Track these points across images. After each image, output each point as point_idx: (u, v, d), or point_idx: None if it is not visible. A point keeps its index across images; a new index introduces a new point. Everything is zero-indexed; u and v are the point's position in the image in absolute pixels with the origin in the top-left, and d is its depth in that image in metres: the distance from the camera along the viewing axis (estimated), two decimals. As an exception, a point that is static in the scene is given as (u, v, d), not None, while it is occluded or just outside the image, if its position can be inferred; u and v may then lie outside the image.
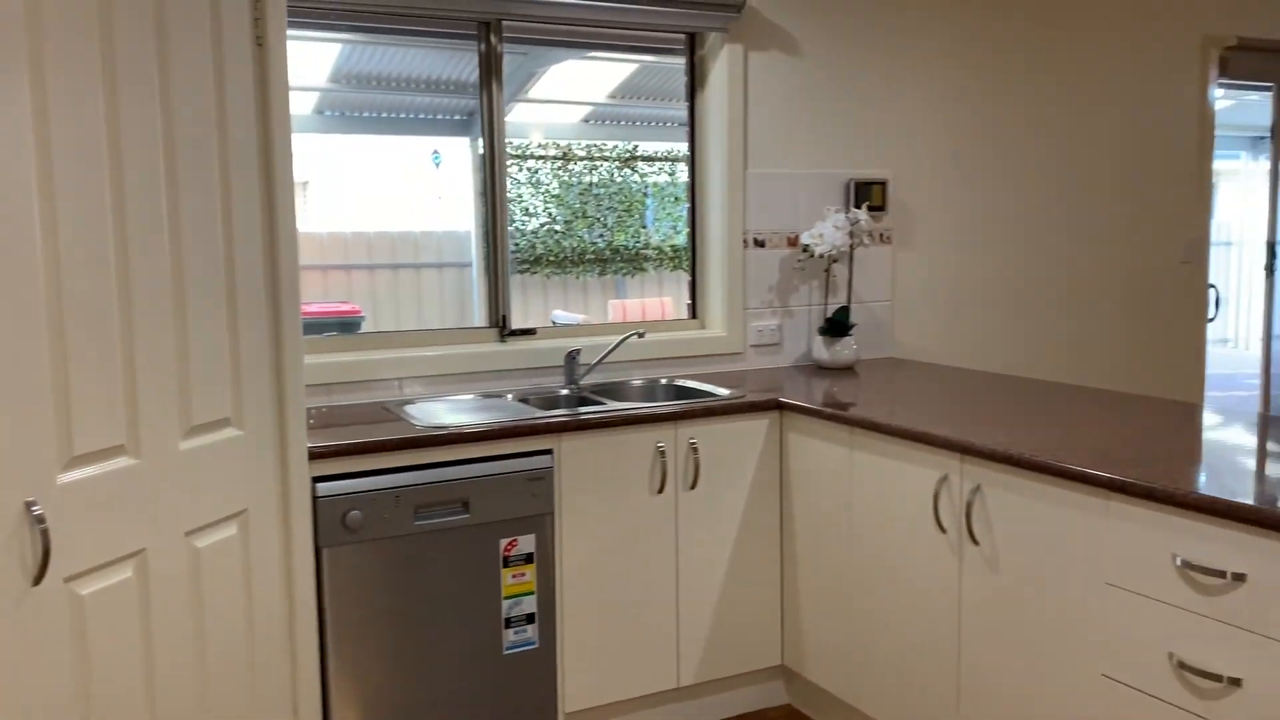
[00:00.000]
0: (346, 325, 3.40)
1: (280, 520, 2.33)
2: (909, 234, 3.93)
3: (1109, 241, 4.37)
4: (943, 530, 2.52)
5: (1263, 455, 2.22)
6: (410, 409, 2.95)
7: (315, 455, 2.48)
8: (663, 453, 2.91)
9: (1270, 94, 4.83)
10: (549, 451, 2.77)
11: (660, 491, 2.92)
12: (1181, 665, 1.98)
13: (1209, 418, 2.62)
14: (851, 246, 3.63)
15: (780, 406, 3.05)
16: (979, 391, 3.09)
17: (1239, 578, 1.87)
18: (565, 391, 3.25)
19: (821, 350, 3.64)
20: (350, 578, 2.55)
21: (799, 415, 3.01)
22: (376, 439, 2.56)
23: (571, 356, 3.27)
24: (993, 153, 4.07)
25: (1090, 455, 2.22)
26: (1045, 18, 4.11)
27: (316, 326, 3.28)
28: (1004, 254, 4.14)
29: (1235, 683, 1.89)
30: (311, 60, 3.30)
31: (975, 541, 2.43)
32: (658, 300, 3.87)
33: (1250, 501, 1.85)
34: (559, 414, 2.83)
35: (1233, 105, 5.68)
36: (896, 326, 3.93)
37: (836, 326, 3.64)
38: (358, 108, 3.45)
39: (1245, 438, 2.39)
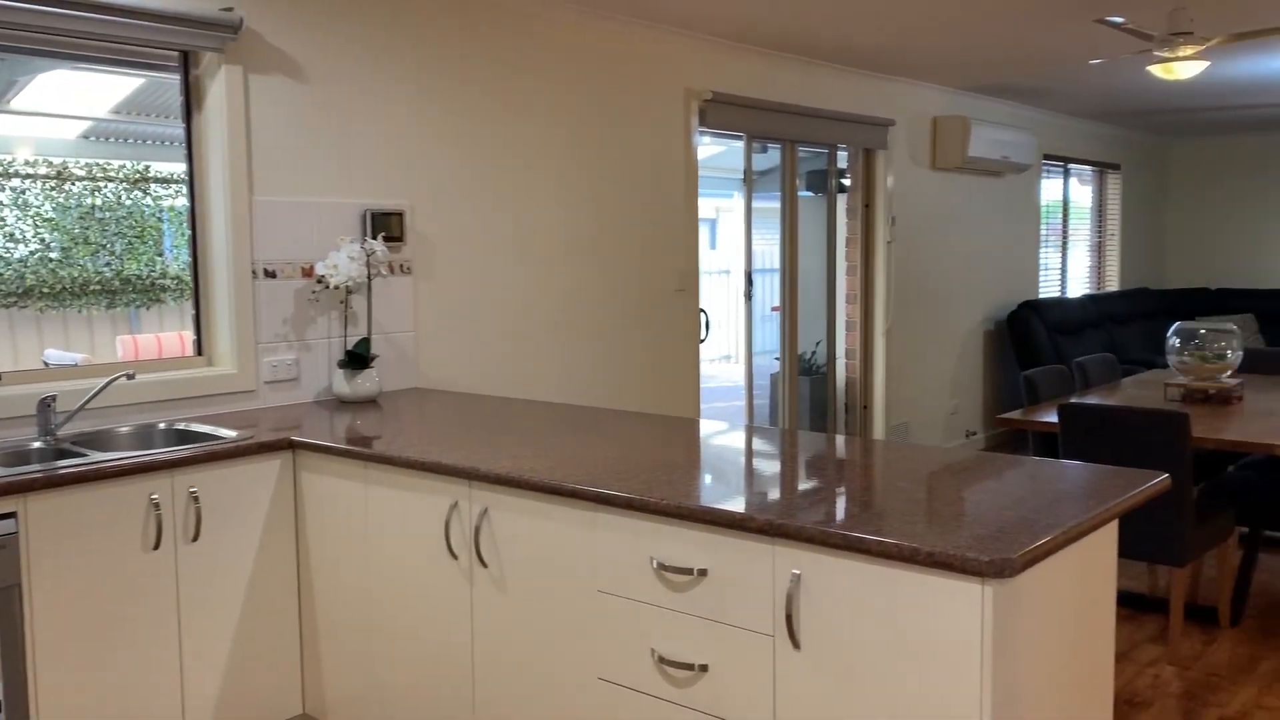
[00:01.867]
0: None
1: None
2: (430, 264, 3.98)
3: (619, 271, 4.74)
4: (454, 556, 2.56)
5: (747, 460, 2.51)
6: None
7: None
8: (157, 505, 2.66)
9: (742, 142, 5.54)
10: (12, 515, 2.41)
11: (156, 548, 2.67)
12: (661, 660, 2.17)
13: (700, 429, 2.92)
14: (369, 277, 3.59)
15: (293, 446, 2.93)
16: (499, 417, 3.19)
17: (703, 573, 2.09)
18: (39, 444, 2.86)
19: (342, 384, 3.56)
20: None
21: (313, 453, 2.91)
22: None
23: (45, 404, 2.89)
24: (509, 187, 4.25)
25: (585, 472, 2.37)
26: (554, 59, 4.38)
27: None
28: (524, 284, 4.33)
29: (704, 669, 2.10)
30: None
31: (484, 564, 2.49)
32: (177, 334, 3.56)
33: (708, 504, 2.08)
34: (25, 470, 2.48)
35: (725, 150, 6.41)
36: (421, 357, 3.95)
37: (357, 359, 3.58)
38: None
39: (726, 446, 2.69)
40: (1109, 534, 2.13)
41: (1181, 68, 4.22)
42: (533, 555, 2.40)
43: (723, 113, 5.19)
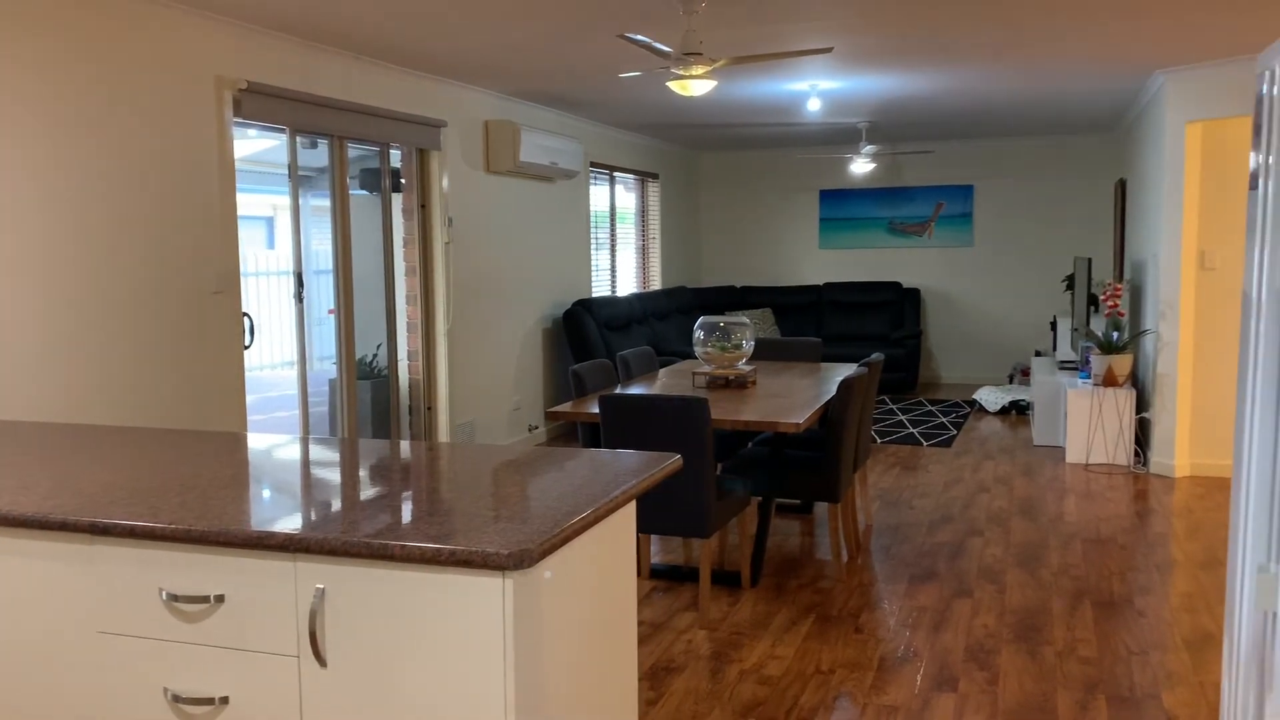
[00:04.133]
0: None
1: None
2: (-110, 267, 3.33)
3: (144, 274, 4.29)
4: (-86, 614, 2.15)
5: (285, 474, 2.34)
6: None
7: None
8: None
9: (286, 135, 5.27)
10: None
11: None
12: (176, 698, 1.97)
13: (238, 444, 2.70)
14: None
15: None
16: (-24, 444, 2.74)
17: (220, 599, 1.93)
18: None
19: None
20: None
21: None
22: None
23: None
24: (8, 180, 3.68)
25: (83, 499, 2.10)
26: (53, 38, 3.85)
27: None
28: (21, 291, 3.77)
29: (225, 701, 1.95)
30: None
31: (-46, 619, 2.12)
32: None
33: (223, 525, 1.92)
34: None
35: (280, 144, 6.05)
36: (-118, 377, 3.30)
37: None
38: None
39: (264, 460, 2.50)
40: (628, 514, 2.27)
41: (694, 85, 4.65)
42: (16, 600, 2.08)
43: (261, 104, 4.90)
